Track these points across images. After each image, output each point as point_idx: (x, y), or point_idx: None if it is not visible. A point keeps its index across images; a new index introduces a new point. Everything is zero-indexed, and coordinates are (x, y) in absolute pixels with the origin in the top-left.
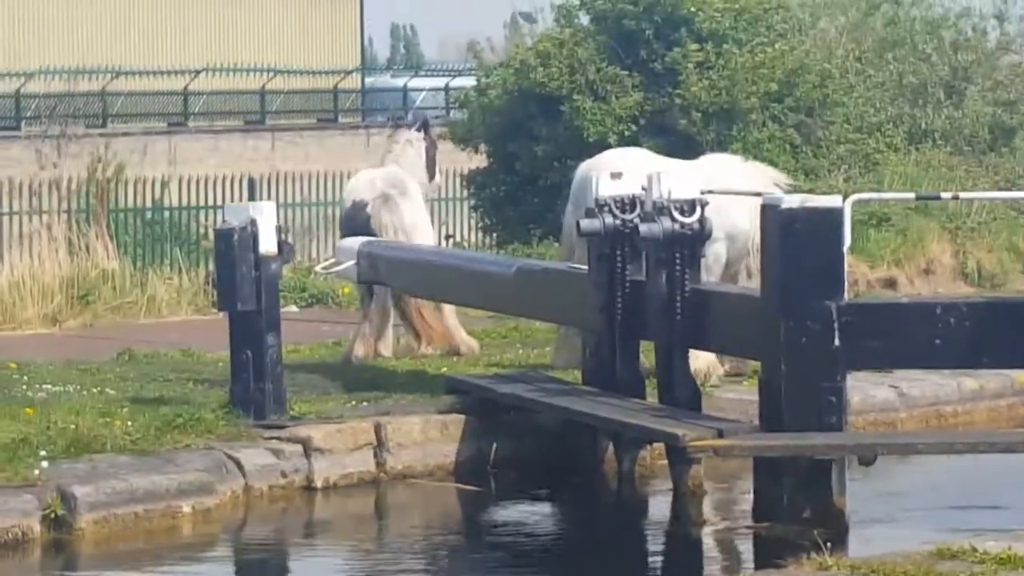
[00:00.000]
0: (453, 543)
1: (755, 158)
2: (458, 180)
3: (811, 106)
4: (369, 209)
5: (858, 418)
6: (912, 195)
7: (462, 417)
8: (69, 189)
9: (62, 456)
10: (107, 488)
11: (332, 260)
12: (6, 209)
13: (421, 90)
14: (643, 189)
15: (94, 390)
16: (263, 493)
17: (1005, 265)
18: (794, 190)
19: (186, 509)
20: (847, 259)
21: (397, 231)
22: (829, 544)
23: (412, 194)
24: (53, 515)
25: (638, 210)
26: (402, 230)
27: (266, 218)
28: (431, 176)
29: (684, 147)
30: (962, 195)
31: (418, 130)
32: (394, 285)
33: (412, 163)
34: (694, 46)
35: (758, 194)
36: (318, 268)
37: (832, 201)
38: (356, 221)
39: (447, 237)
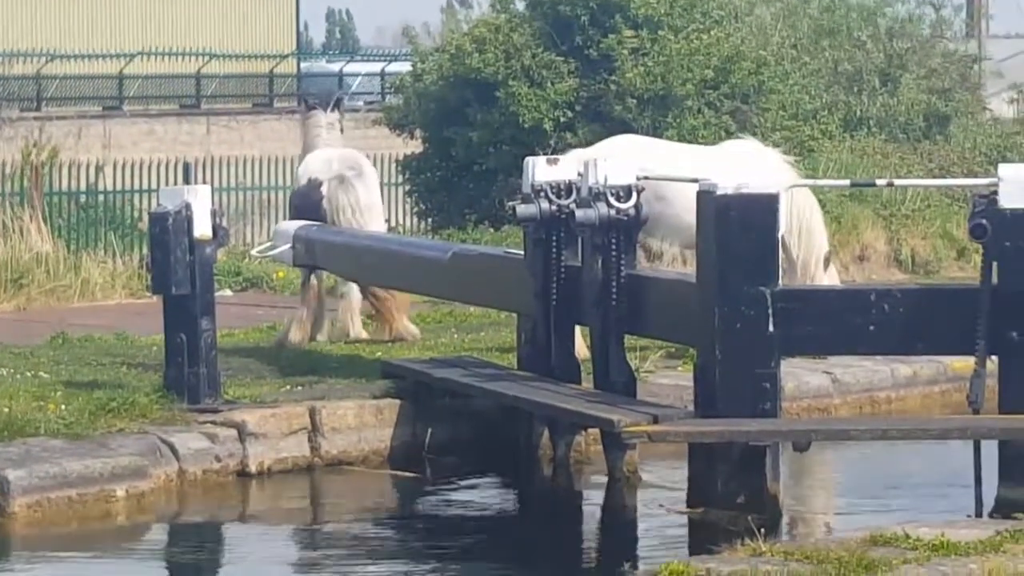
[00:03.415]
0: (387, 529)
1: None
2: (393, 165)
3: (746, 93)
4: (324, 189)
5: (792, 404)
6: (847, 182)
7: (397, 402)
8: (3, 172)
9: None
10: (40, 472)
11: (268, 243)
12: None
13: (357, 75)
14: (579, 175)
15: (27, 373)
16: (197, 477)
17: (939, 252)
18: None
19: (120, 493)
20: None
21: (353, 212)
22: (763, 530)
23: (367, 175)
24: None
25: (574, 196)
26: (358, 211)
27: (201, 202)
28: None
29: (619, 133)
30: (897, 182)
31: (333, 110)
32: (329, 269)
33: (342, 144)
34: (629, 32)
35: (695, 180)
36: (254, 251)
37: (767, 188)
38: (310, 200)
39: None
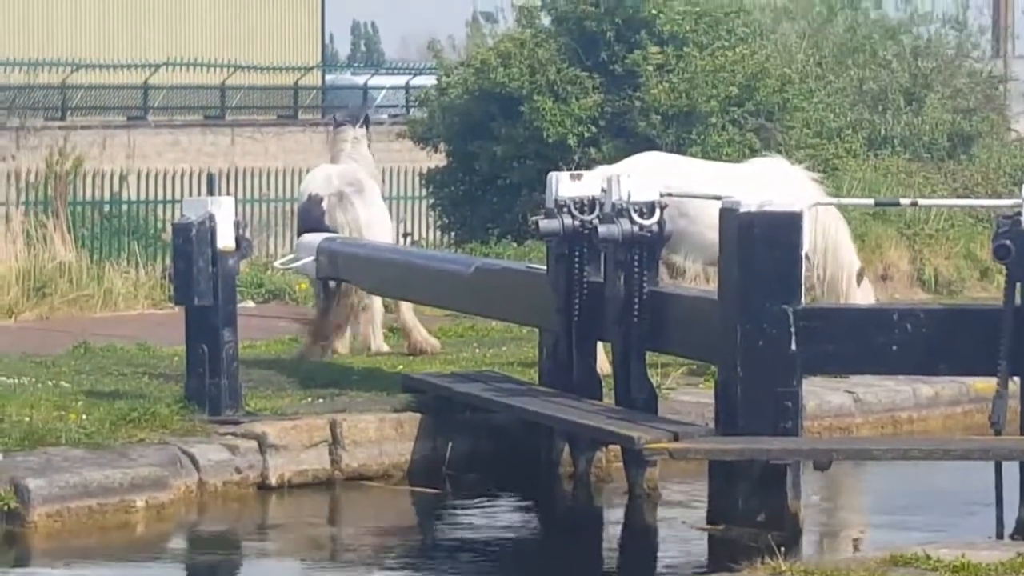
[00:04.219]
0: (407, 547)
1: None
2: (417, 179)
3: (771, 110)
4: (324, 205)
5: (814, 423)
6: (871, 201)
7: (418, 416)
8: (27, 181)
9: (16, 448)
10: (61, 481)
11: (292, 255)
12: None
13: (381, 88)
14: (602, 191)
15: (49, 383)
16: (217, 489)
17: (962, 272)
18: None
19: (139, 503)
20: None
21: (351, 230)
22: (783, 548)
23: (368, 192)
24: (6, 508)
25: (597, 211)
26: (356, 229)
27: (224, 213)
28: None
29: (643, 149)
30: (920, 202)
31: (361, 126)
32: (353, 282)
33: (367, 159)
34: (654, 49)
35: (717, 197)
36: (277, 263)
37: (790, 206)
38: (311, 216)
39: (405, 235)
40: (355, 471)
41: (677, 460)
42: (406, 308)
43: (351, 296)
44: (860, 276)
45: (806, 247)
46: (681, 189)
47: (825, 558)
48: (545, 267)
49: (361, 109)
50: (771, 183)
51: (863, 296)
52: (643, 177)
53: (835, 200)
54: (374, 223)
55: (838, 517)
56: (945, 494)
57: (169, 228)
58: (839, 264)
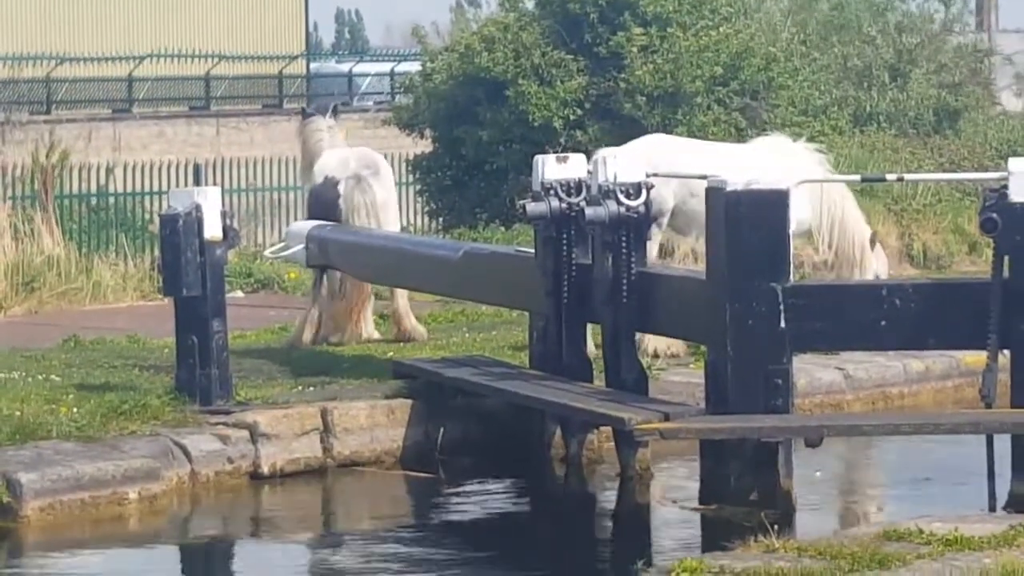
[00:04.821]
0: (401, 531)
1: None
2: (404, 165)
3: (756, 89)
4: (341, 188)
5: (804, 400)
6: (858, 177)
7: (409, 402)
8: (14, 175)
9: (7, 443)
10: (53, 475)
11: (282, 244)
12: None
13: (366, 75)
14: (588, 173)
15: (39, 376)
16: (209, 479)
17: (950, 247)
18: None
19: (132, 495)
20: (792, 241)
21: (368, 212)
22: (776, 526)
23: (384, 175)
24: None
25: (584, 193)
26: (372, 212)
27: (211, 203)
28: None
29: (629, 131)
30: (907, 177)
31: (331, 116)
32: (343, 269)
33: (345, 147)
34: (638, 30)
35: (704, 177)
36: (267, 252)
37: (777, 184)
38: (326, 198)
39: None
40: (347, 458)
41: (668, 440)
42: (400, 295)
43: (359, 287)
44: (873, 241)
45: (812, 223)
46: (686, 170)
47: (819, 535)
48: (533, 250)
49: (330, 101)
50: (777, 161)
51: (878, 261)
52: (628, 158)
53: (822, 177)
54: (390, 206)
55: (831, 494)
56: (937, 468)
57: (156, 220)
58: (848, 234)
